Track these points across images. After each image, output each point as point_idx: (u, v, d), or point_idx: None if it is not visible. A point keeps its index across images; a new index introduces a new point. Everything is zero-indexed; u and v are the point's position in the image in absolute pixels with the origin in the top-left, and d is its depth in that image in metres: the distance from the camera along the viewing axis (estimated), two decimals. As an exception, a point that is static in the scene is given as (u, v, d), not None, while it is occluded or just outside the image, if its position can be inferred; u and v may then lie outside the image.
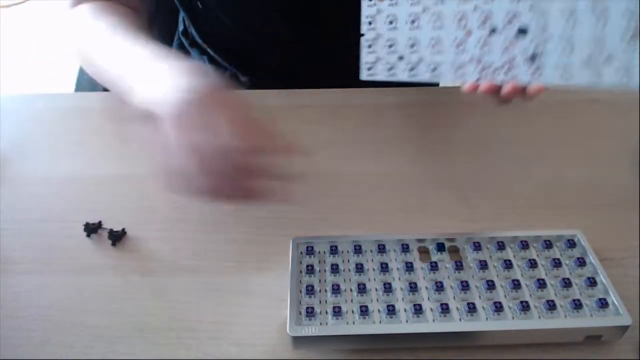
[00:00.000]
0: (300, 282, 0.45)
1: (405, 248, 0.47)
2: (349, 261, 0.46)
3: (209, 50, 0.77)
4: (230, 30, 0.71)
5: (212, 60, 0.78)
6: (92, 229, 0.51)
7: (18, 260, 0.49)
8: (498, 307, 0.42)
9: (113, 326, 0.44)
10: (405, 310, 0.42)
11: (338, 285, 0.44)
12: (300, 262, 0.46)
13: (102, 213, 0.52)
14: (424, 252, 0.47)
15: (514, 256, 0.46)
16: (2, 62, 1.72)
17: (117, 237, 0.50)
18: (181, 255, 0.49)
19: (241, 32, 0.71)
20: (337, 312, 0.42)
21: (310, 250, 0.47)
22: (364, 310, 0.42)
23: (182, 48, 0.82)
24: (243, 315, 0.45)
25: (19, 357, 0.43)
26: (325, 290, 0.44)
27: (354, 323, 0.42)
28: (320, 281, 0.45)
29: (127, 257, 0.49)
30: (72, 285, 0.47)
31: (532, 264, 0.45)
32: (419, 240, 0.48)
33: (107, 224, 0.51)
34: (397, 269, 0.46)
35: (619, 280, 0.44)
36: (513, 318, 0.42)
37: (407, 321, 0.41)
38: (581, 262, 0.46)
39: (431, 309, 0.42)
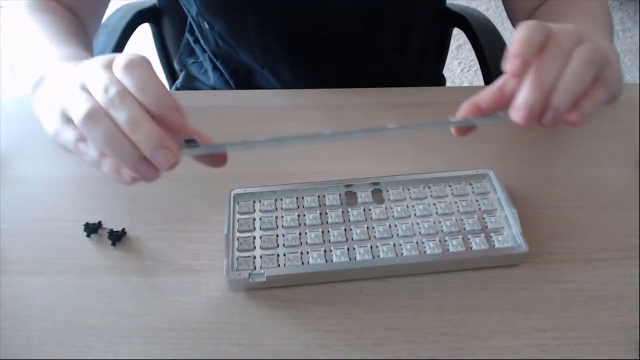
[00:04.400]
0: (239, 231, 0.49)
1: (332, 192, 0.52)
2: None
3: (209, 53, 0.77)
4: (233, 51, 0.72)
5: (212, 60, 0.79)
6: (92, 229, 0.51)
7: (18, 260, 0.49)
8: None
9: (113, 326, 0.44)
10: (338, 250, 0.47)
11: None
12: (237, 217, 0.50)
13: (102, 213, 0.52)
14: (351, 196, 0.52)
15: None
16: (2, 62, 1.72)
17: (117, 237, 0.50)
18: (181, 255, 0.49)
19: (243, 57, 0.72)
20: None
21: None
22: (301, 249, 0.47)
23: (187, 41, 0.82)
24: (243, 314, 0.45)
25: (19, 357, 0.43)
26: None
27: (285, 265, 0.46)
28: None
29: (127, 257, 0.49)
30: (72, 285, 0.47)
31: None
32: (347, 186, 0.52)
33: (107, 224, 0.51)
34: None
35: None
36: (424, 253, 0.47)
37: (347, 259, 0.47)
38: (486, 196, 0.51)
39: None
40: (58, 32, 0.53)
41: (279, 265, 0.46)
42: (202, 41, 0.77)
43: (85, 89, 0.36)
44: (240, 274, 0.45)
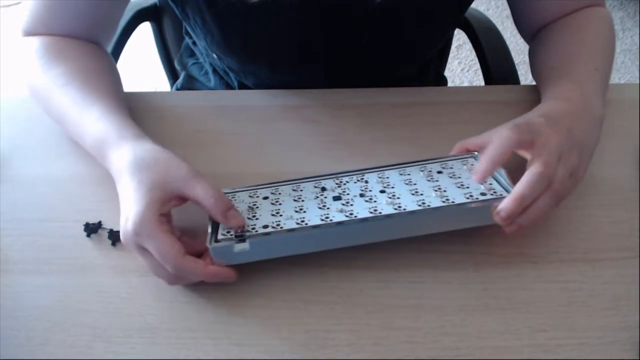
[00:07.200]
0: None
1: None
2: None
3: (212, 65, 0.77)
4: (241, 76, 0.72)
5: (212, 64, 0.78)
6: (92, 229, 0.51)
7: (18, 260, 0.49)
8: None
9: (113, 326, 0.44)
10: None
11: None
12: None
13: (102, 213, 0.52)
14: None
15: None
16: (2, 62, 1.72)
17: (117, 237, 0.50)
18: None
19: (250, 79, 0.72)
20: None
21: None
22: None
23: (188, 42, 0.82)
24: (243, 314, 0.45)
25: (19, 357, 0.43)
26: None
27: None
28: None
29: (127, 257, 0.49)
30: (72, 285, 0.47)
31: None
32: (337, 178, 0.52)
33: (107, 224, 0.51)
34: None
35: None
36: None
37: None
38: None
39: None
40: (80, 96, 0.55)
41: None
42: (203, 56, 0.77)
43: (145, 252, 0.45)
44: (223, 242, 0.44)
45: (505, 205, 0.43)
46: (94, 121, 0.52)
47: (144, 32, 0.93)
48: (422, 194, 0.48)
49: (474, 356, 0.42)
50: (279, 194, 0.51)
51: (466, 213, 0.46)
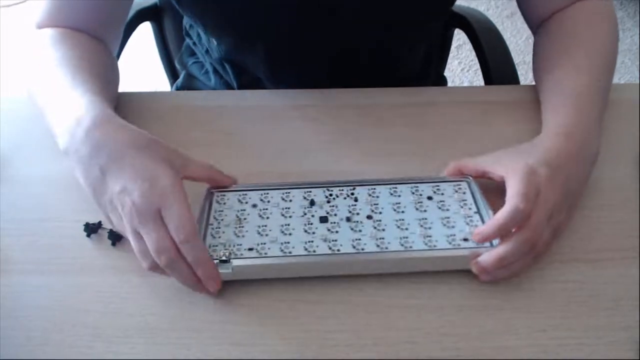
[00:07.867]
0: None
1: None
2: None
3: (211, 61, 0.77)
4: (239, 62, 0.72)
5: (212, 64, 0.78)
6: (92, 229, 0.51)
7: (18, 260, 0.49)
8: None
9: (113, 326, 0.44)
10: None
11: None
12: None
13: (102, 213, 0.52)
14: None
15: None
16: (2, 62, 1.72)
17: (117, 237, 0.50)
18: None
19: (250, 67, 0.72)
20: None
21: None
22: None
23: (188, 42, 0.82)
24: (243, 314, 0.45)
25: (19, 357, 0.43)
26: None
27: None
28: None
29: (127, 257, 0.49)
30: (72, 285, 0.47)
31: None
32: (326, 187, 0.52)
33: (107, 224, 0.51)
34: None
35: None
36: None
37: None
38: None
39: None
40: (80, 75, 0.54)
41: (245, 256, 0.46)
42: (204, 48, 0.77)
43: (138, 233, 0.43)
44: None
45: (484, 260, 0.44)
46: (78, 96, 0.51)
47: (144, 32, 0.92)
48: (407, 229, 0.48)
49: (474, 356, 0.42)
50: (268, 202, 0.51)
51: (445, 261, 0.47)
